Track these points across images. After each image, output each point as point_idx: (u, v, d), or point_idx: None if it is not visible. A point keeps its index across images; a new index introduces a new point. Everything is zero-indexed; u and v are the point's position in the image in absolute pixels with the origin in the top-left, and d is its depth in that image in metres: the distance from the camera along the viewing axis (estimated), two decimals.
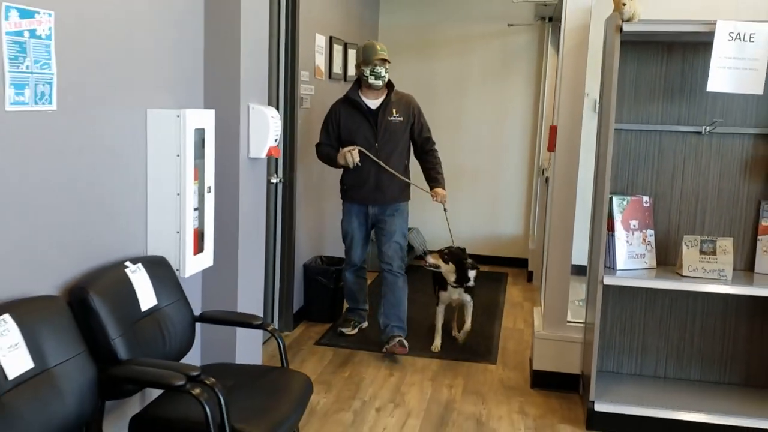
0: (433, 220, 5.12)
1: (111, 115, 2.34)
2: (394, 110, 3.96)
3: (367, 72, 3.88)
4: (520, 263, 6.03)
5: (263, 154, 3.08)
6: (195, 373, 2.02)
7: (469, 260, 4.01)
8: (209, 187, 2.74)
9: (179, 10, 2.73)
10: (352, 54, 5.37)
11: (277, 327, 4.20)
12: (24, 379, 1.76)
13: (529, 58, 6.01)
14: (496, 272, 5.90)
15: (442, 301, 4.14)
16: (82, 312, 2.06)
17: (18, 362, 1.76)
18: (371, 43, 3.97)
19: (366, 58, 3.89)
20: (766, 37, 2.79)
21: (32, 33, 1.93)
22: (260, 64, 3.16)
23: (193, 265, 2.66)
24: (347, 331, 4.29)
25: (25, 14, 1.90)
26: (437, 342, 4.12)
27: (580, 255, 3.64)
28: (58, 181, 2.08)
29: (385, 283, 4.08)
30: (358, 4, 5.64)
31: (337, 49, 5.05)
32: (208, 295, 2.94)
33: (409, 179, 4.07)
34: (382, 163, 3.91)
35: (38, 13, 1.95)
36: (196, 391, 1.97)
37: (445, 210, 4.11)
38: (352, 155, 3.87)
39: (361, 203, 4.06)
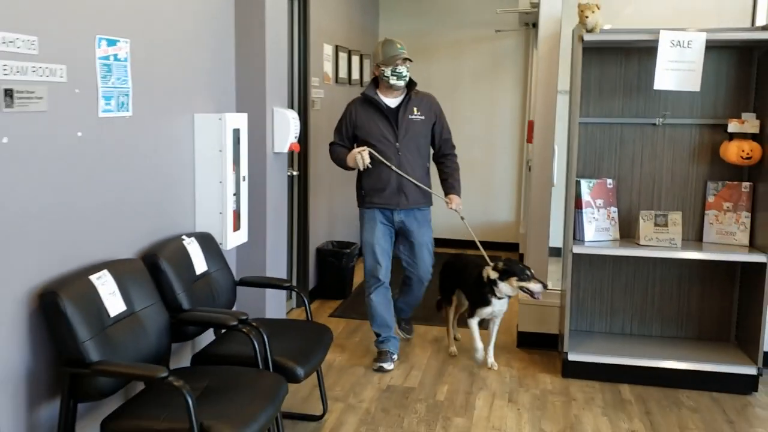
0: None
1: (169, 119, 2.93)
2: (415, 108, 3.71)
3: (387, 72, 3.62)
4: (512, 247, 6.60)
5: (285, 149, 3.67)
6: (244, 317, 2.61)
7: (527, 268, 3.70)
8: (244, 176, 3.33)
9: (216, 30, 3.31)
10: (356, 60, 5.95)
11: (295, 304, 4.79)
12: (120, 318, 2.34)
13: (516, 60, 6.58)
14: (490, 255, 6.45)
15: (481, 315, 3.80)
16: (154, 272, 2.64)
17: (115, 305, 2.34)
18: (390, 41, 3.68)
19: (386, 57, 3.62)
20: (700, 44, 3.36)
21: (115, 57, 2.52)
22: (281, 73, 3.75)
23: (232, 239, 3.25)
24: (388, 366, 3.79)
25: (110, 43, 2.49)
26: (480, 353, 3.88)
27: (559, 238, 4.20)
28: (133, 171, 2.67)
29: (414, 285, 3.98)
30: (360, 14, 6.22)
31: (342, 56, 5.63)
32: (243, 264, 3.53)
33: (429, 183, 3.83)
34: (393, 167, 3.66)
35: (119, 41, 2.53)
36: (246, 329, 2.56)
37: (462, 218, 3.88)
38: (362, 156, 3.61)
39: (384, 208, 3.75)
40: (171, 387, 2.07)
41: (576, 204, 3.73)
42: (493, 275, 3.66)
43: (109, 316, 2.28)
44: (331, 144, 3.88)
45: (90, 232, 2.42)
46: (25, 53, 2.07)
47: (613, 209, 3.81)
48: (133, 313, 2.41)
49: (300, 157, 4.76)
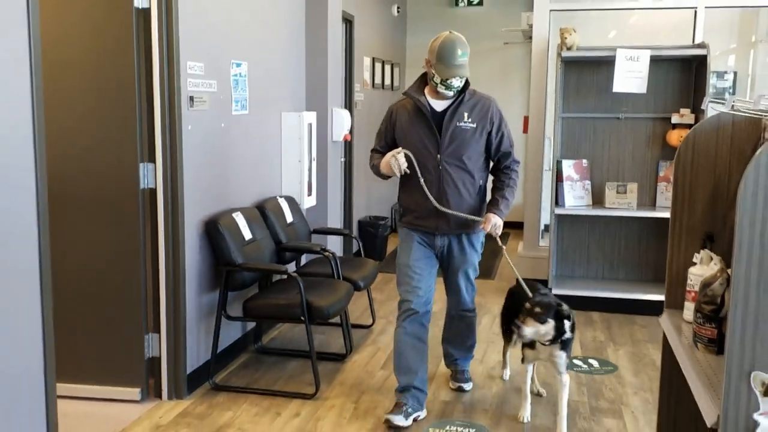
0: None
1: (269, 116, 4.25)
2: (465, 114, 3.07)
3: (437, 80, 3.02)
4: (519, 226, 7.84)
5: (341, 139, 4.98)
6: (324, 247, 3.91)
7: (564, 306, 2.95)
8: (313, 158, 4.64)
9: (294, 51, 4.63)
10: (387, 69, 7.25)
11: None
12: (249, 242, 3.65)
13: (521, 67, 7.83)
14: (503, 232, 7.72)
15: (528, 359, 3.14)
16: (264, 216, 3.96)
17: (246, 233, 3.65)
18: (451, 43, 3.01)
19: (440, 64, 2.99)
20: (646, 59, 4.60)
21: (240, 74, 3.84)
22: (337, 80, 5.06)
23: (307, 202, 4.56)
24: (399, 421, 3.03)
25: (238, 65, 3.81)
26: (525, 412, 3.18)
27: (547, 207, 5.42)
28: (250, 150, 3.99)
29: (455, 321, 3.45)
30: (391, 30, 7.52)
31: (377, 66, 6.93)
32: (312, 219, 4.83)
33: (481, 206, 3.20)
34: (422, 181, 3.04)
35: (242, 63, 3.85)
36: (326, 253, 3.86)
37: (501, 245, 3.22)
38: (397, 159, 3.01)
39: (424, 232, 3.17)
40: (290, 277, 3.38)
41: (558, 178, 4.98)
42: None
43: (244, 239, 3.60)
44: (371, 151, 3.33)
45: (230, 187, 3.74)
46: (198, 74, 3.39)
47: (587, 182, 5.05)
48: (254, 240, 3.72)
49: (346, 146, 6.06)
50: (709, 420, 1.63)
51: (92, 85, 3.13)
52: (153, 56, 3.13)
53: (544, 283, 5.31)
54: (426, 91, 3.17)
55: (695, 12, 5.11)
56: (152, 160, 3.20)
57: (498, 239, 3.18)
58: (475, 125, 3.10)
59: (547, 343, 2.93)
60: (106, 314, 3.24)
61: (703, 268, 2.15)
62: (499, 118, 3.16)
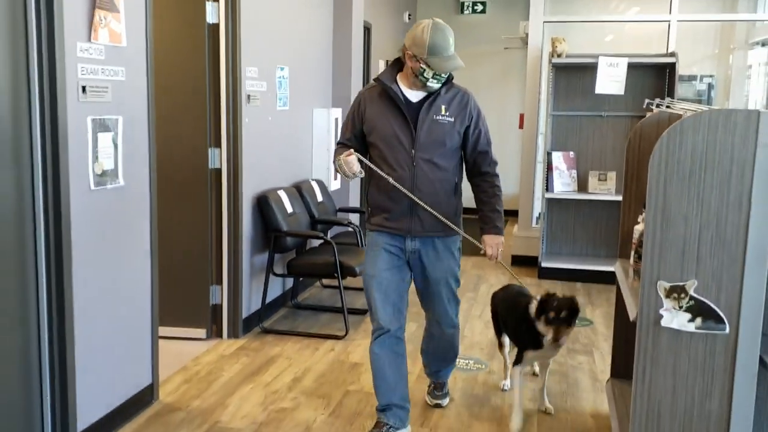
0: None
1: (303, 111, 5.04)
2: (443, 107, 2.79)
3: (429, 73, 2.71)
4: (515, 213, 8.64)
5: None
6: (350, 221, 4.71)
7: (575, 299, 2.99)
8: None
9: (323, 56, 5.42)
10: None
11: None
12: (290, 215, 4.44)
13: (519, 70, 8.60)
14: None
15: (529, 361, 3.07)
16: (300, 195, 4.75)
17: (288, 207, 4.44)
18: (443, 35, 2.75)
19: (433, 61, 2.71)
20: (624, 65, 5.37)
21: (283, 77, 4.63)
22: (358, 81, 5.84)
23: (333, 185, 5.36)
24: None
25: (281, 68, 4.60)
26: (516, 422, 3.00)
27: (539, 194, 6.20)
28: (289, 141, 4.78)
29: (434, 338, 3.09)
30: (403, 35, 8.28)
31: None
32: (337, 200, 5.62)
33: (457, 207, 2.90)
34: (391, 180, 2.73)
35: (285, 67, 4.64)
36: (352, 227, 4.66)
37: (507, 268, 3.15)
38: (344, 163, 2.71)
39: (393, 234, 2.83)
40: (323, 244, 4.18)
41: (548, 168, 5.76)
42: (532, 309, 2.89)
43: (287, 211, 4.40)
44: (337, 144, 2.98)
45: (274, 169, 4.53)
46: (253, 77, 4.18)
47: (574, 171, 5.84)
48: (294, 213, 4.51)
49: None
50: (632, 315, 2.43)
51: (172, 86, 3.91)
52: (220, 62, 3.92)
53: (534, 259, 6.11)
54: (399, 79, 2.82)
55: (668, 24, 5.89)
56: (218, 145, 3.99)
57: (503, 263, 2.99)
58: (453, 119, 2.80)
59: (555, 341, 2.84)
60: (180, 270, 4.03)
61: (642, 225, 2.94)
62: (477, 113, 2.88)
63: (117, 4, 2.80)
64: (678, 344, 2.33)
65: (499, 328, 3.41)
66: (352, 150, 2.77)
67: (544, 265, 5.74)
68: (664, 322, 2.32)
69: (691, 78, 7.99)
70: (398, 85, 2.82)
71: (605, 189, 5.66)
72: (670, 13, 5.89)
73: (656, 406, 2.38)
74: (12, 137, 2.41)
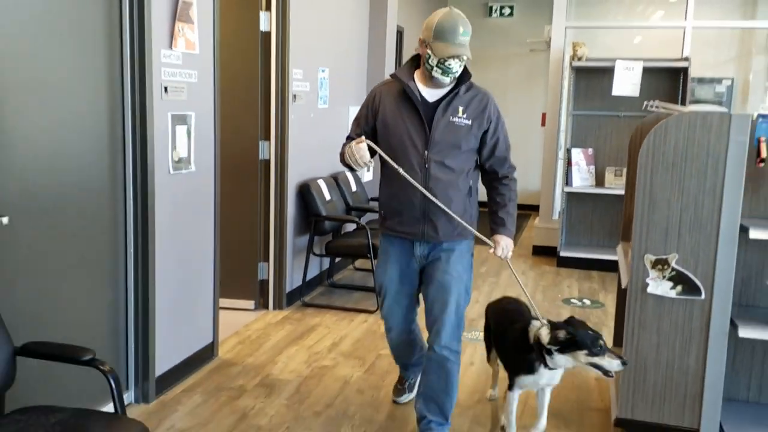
0: None
1: (340, 109, 5.53)
2: (460, 109, 2.67)
3: (434, 61, 2.59)
4: (536, 208, 9.04)
5: None
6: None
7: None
8: None
9: (359, 57, 5.91)
10: None
11: None
12: (329, 201, 4.93)
13: (543, 72, 8.97)
14: (524, 214, 8.93)
15: (521, 386, 2.82)
16: (336, 184, 5.24)
17: (328, 195, 4.94)
18: (452, 19, 2.59)
19: (437, 41, 2.57)
20: (639, 69, 5.76)
21: (324, 77, 5.13)
22: None
23: (366, 176, 5.84)
24: (402, 399, 3.23)
25: (323, 70, 5.09)
26: None
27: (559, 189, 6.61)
28: (328, 136, 5.28)
29: (430, 367, 2.80)
30: None
31: None
32: (369, 190, 6.10)
33: (473, 212, 2.80)
34: (402, 171, 2.63)
35: (326, 69, 5.14)
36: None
37: (512, 270, 2.87)
38: (354, 152, 2.62)
39: (403, 238, 2.77)
40: (357, 228, 4.66)
41: (568, 163, 6.17)
42: (549, 343, 2.61)
43: (325, 199, 4.90)
44: (346, 139, 2.90)
45: (315, 161, 5.03)
46: (299, 78, 4.68)
47: (591, 167, 6.24)
48: (332, 200, 5.01)
49: None
50: (624, 284, 2.87)
51: (230, 86, 4.41)
52: (271, 65, 4.42)
53: (554, 249, 6.51)
54: (416, 76, 2.70)
55: (684, 30, 6.25)
56: (267, 138, 4.50)
57: (509, 263, 2.81)
58: (470, 122, 2.66)
59: (552, 367, 2.67)
60: (233, 248, 4.55)
61: None
62: (497, 117, 2.73)
63: (192, 16, 3.31)
64: (661, 308, 2.77)
65: (488, 348, 3.27)
66: (363, 137, 2.65)
67: (562, 254, 6.16)
68: (650, 290, 2.76)
69: (713, 80, 8.30)
70: (415, 83, 2.69)
71: (621, 183, 6.04)
72: (685, 19, 6.24)
73: (643, 361, 2.82)
74: (109, 130, 2.94)
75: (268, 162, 4.53)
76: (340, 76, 5.47)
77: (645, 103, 3.70)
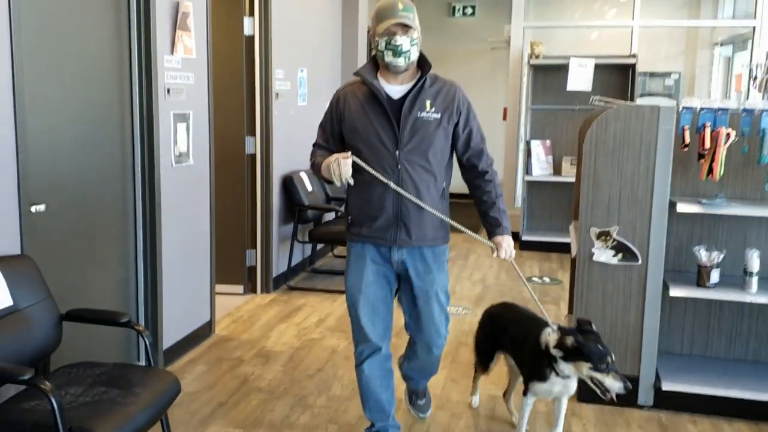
0: None
1: (318, 106, 5.89)
2: (428, 102, 2.56)
3: (381, 45, 2.47)
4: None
5: None
6: None
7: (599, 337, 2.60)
8: None
9: (334, 57, 6.31)
10: None
11: None
12: (310, 192, 5.33)
13: (505, 69, 9.48)
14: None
15: (535, 393, 2.78)
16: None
17: (310, 187, 5.34)
18: (390, 0, 2.48)
19: (378, 23, 2.48)
20: (591, 65, 6.28)
21: (303, 77, 5.52)
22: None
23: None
24: None
25: (302, 70, 5.49)
26: None
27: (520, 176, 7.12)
28: (308, 131, 5.66)
29: (413, 349, 2.86)
30: None
31: None
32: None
33: (446, 212, 2.68)
34: (392, 184, 2.52)
35: (304, 69, 5.53)
36: None
37: (519, 274, 2.83)
38: (339, 166, 2.44)
39: (378, 244, 2.64)
40: (337, 216, 5.08)
41: (528, 154, 6.67)
42: (554, 349, 2.57)
43: (307, 189, 5.29)
44: (313, 146, 2.83)
45: (297, 155, 5.42)
46: (281, 78, 5.06)
47: (550, 157, 6.75)
48: (313, 191, 5.41)
49: None
50: (573, 254, 3.35)
51: (218, 86, 4.77)
52: (255, 66, 4.80)
53: (516, 234, 7.01)
54: (380, 75, 2.58)
55: (631, 29, 6.79)
56: (253, 134, 4.88)
57: (514, 264, 2.73)
58: (439, 115, 2.56)
59: (567, 375, 2.58)
60: (223, 237, 4.91)
61: None
62: (467, 108, 2.64)
63: (189, 24, 3.68)
64: (605, 273, 3.25)
65: (487, 356, 3.09)
66: (349, 153, 2.48)
67: (524, 238, 6.66)
68: (595, 258, 3.24)
69: (663, 74, 8.90)
70: (379, 80, 2.56)
71: (575, 172, 6.57)
72: (633, 18, 6.79)
73: (591, 319, 3.29)
74: (120, 128, 3.30)
75: (254, 156, 4.90)
76: (317, 75, 5.86)
77: (591, 98, 4.19)
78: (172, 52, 3.54)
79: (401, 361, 2.99)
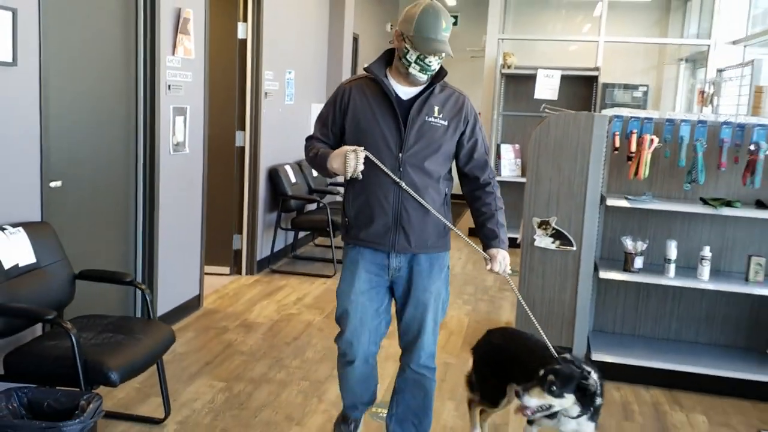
0: None
1: (304, 105, 6.41)
2: (436, 108, 2.48)
3: (412, 57, 2.38)
4: None
5: None
6: (337, 191, 6.11)
7: (592, 379, 2.34)
8: None
9: (320, 61, 6.80)
10: None
11: None
12: (294, 183, 5.81)
13: (482, 76, 10.04)
14: (462, 203, 9.95)
15: (541, 424, 2.54)
16: (301, 170, 6.12)
17: (293, 179, 5.81)
18: (435, 12, 2.37)
19: (418, 37, 2.35)
20: (557, 76, 6.80)
21: (290, 78, 6.00)
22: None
23: None
24: None
25: (289, 72, 5.96)
26: None
27: None
28: (293, 128, 6.14)
29: (406, 386, 2.68)
30: (385, 43, 9.66)
31: None
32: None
33: (449, 216, 2.59)
34: (404, 184, 2.43)
35: (292, 71, 6.01)
36: None
37: (515, 292, 2.78)
38: (356, 157, 2.35)
39: (375, 248, 2.54)
40: (319, 207, 5.57)
41: (498, 156, 7.18)
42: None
43: (291, 181, 5.77)
44: (308, 138, 2.64)
45: (283, 149, 5.89)
46: (270, 78, 5.54)
47: (518, 160, 7.27)
48: (297, 183, 5.88)
49: None
50: (518, 240, 3.86)
51: (213, 85, 5.24)
52: (246, 67, 5.27)
53: None
54: (389, 73, 2.50)
55: (597, 44, 7.33)
56: (243, 129, 5.34)
57: (509, 279, 2.63)
58: (446, 123, 2.48)
59: (574, 415, 2.35)
60: (211, 222, 5.37)
61: None
62: (474, 118, 2.56)
63: (189, 28, 4.15)
64: (545, 257, 3.76)
65: (494, 391, 2.75)
66: (362, 147, 2.38)
67: None
68: (536, 243, 3.74)
69: (631, 87, 9.48)
70: (389, 79, 2.47)
71: None
72: (599, 35, 7.33)
73: (533, 298, 3.80)
74: (126, 117, 3.76)
75: (243, 149, 5.37)
76: (304, 77, 6.34)
77: (543, 106, 4.70)
78: (173, 53, 4.00)
79: (388, 422, 2.73)
